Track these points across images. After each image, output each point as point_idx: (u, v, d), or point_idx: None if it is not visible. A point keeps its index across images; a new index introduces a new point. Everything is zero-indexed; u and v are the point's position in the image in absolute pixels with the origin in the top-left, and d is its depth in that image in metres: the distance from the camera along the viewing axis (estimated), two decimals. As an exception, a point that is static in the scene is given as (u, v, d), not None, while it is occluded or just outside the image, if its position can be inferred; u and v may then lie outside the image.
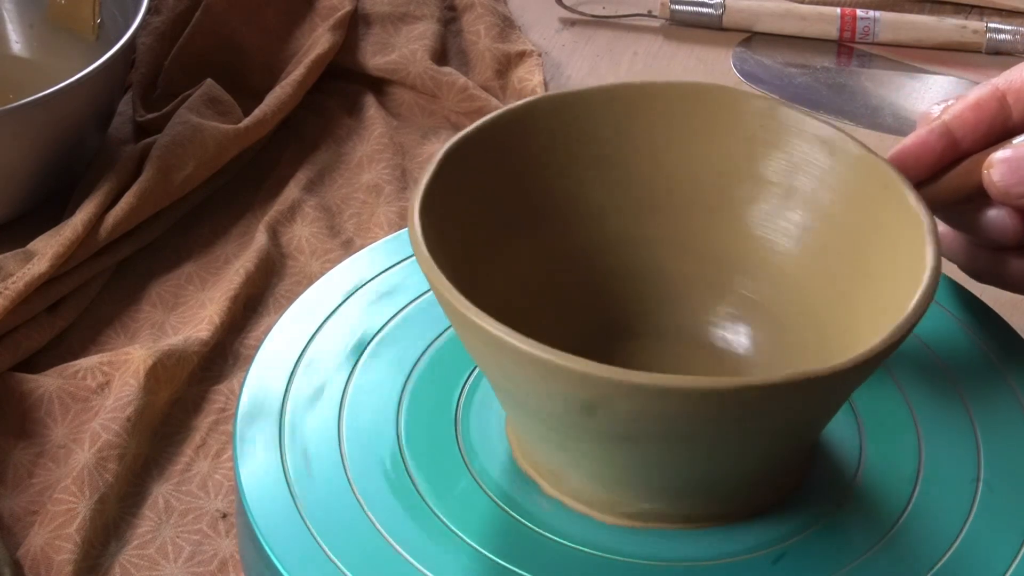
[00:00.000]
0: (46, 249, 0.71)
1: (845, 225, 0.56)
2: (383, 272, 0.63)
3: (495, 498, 0.53)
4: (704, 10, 0.98)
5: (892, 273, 0.53)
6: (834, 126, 0.57)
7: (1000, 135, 0.57)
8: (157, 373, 0.66)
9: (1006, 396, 0.58)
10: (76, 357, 0.69)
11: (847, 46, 0.97)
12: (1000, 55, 0.96)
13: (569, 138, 0.58)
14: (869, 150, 0.56)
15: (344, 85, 0.90)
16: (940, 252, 0.51)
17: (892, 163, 0.56)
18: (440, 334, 0.60)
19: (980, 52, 0.96)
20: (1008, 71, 0.59)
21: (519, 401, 0.51)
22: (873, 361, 0.47)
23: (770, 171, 0.58)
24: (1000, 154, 0.55)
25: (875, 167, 0.55)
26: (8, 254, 0.72)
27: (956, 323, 0.61)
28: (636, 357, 0.59)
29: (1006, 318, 0.62)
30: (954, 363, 0.59)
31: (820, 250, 0.57)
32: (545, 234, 0.58)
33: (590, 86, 0.59)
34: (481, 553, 0.51)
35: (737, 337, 0.59)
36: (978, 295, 0.63)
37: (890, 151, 0.58)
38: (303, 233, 0.78)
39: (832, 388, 0.48)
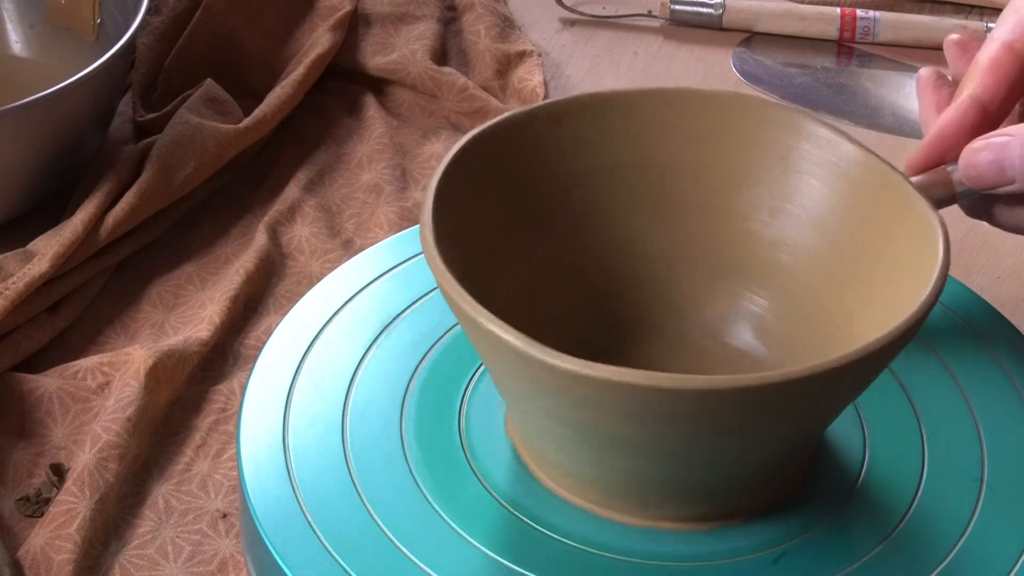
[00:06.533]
0: (46, 249, 0.71)
1: (853, 229, 0.56)
2: (384, 274, 0.63)
3: (498, 497, 0.53)
4: (704, 10, 0.98)
5: (899, 276, 0.53)
6: (838, 130, 0.57)
7: (1023, 82, 0.58)
8: (157, 373, 0.66)
9: (1009, 395, 0.58)
10: (76, 357, 0.69)
11: (847, 46, 0.97)
12: (1000, 55, 0.96)
13: (577, 143, 0.58)
14: (875, 155, 0.56)
15: (344, 85, 0.90)
16: (948, 257, 0.51)
17: (933, 147, 0.57)
18: (441, 336, 0.60)
19: (980, 52, 0.96)
20: (1002, 18, 0.59)
21: (526, 402, 0.51)
22: (863, 363, 0.47)
23: (777, 176, 0.58)
24: (972, 144, 0.56)
25: (882, 172, 0.55)
26: (8, 254, 0.72)
27: (959, 323, 0.61)
28: (643, 358, 0.59)
29: (1008, 317, 0.62)
30: (957, 362, 0.59)
31: (827, 253, 0.57)
32: (554, 237, 0.58)
33: (597, 91, 0.59)
34: (484, 552, 0.51)
35: (744, 339, 0.59)
36: (979, 293, 0.63)
37: (927, 135, 0.58)
38: (303, 233, 0.78)
39: (830, 387, 0.48)
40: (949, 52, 0.62)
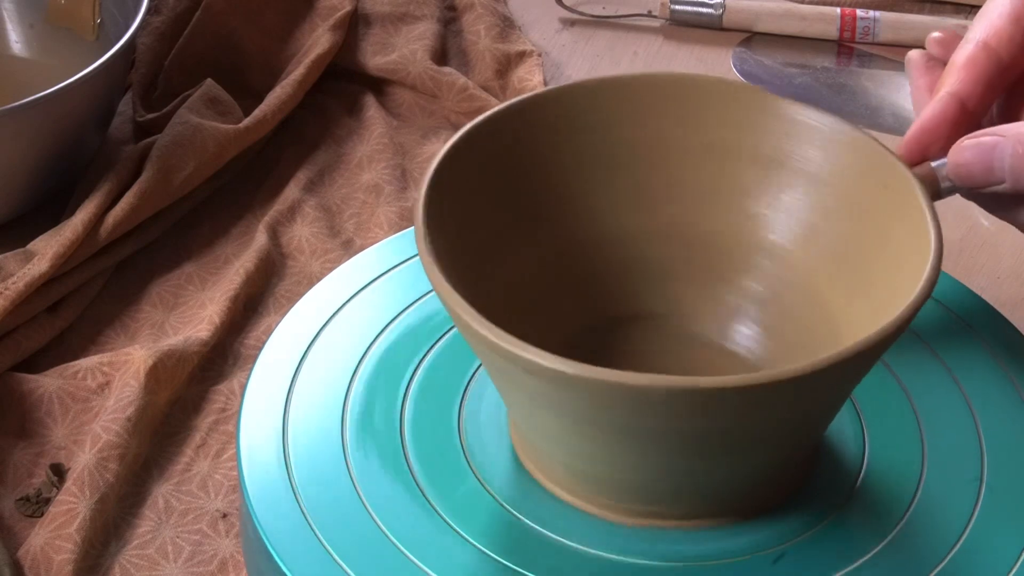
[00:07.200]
0: (46, 249, 0.71)
1: (847, 217, 0.56)
2: (385, 273, 0.63)
3: (498, 498, 0.53)
4: (704, 10, 0.98)
5: (895, 265, 0.53)
6: (833, 116, 0.57)
7: (998, 80, 0.59)
8: (157, 373, 0.66)
9: (1009, 395, 0.58)
10: (76, 357, 0.69)
11: (847, 46, 0.97)
12: (1000, 55, 0.96)
13: (569, 133, 0.58)
14: (871, 137, 0.56)
15: (344, 85, 0.90)
16: (941, 244, 0.51)
17: (914, 142, 0.58)
18: (442, 335, 0.60)
19: (980, 52, 0.96)
20: (978, 19, 0.60)
21: (522, 402, 0.51)
22: (857, 359, 0.47)
23: (771, 164, 0.58)
24: (961, 142, 0.57)
25: (876, 156, 0.55)
26: (8, 254, 0.72)
27: (959, 322, 0.61)
28: (638, 356, 0.59)
29: (1008, 317, 0.62)
30: (957, 362, 0.59)
31: (822, 243, 0.57)
32: (547, 228, 0.58)
33: (587, 79, 0.59)
34: (484, 553, 0.51)
35: (739, 330, 0.59)
36: (979, 293, 0.63)
37: (908, 131, 0.59)
38: (303, 233, 0.78)
39: (822, 385, 0.48)
40: (932, 51, 0.62)
